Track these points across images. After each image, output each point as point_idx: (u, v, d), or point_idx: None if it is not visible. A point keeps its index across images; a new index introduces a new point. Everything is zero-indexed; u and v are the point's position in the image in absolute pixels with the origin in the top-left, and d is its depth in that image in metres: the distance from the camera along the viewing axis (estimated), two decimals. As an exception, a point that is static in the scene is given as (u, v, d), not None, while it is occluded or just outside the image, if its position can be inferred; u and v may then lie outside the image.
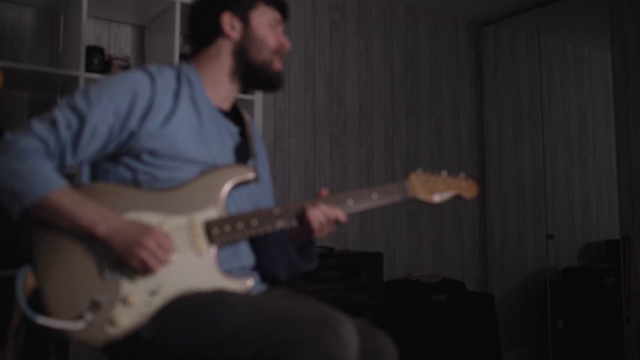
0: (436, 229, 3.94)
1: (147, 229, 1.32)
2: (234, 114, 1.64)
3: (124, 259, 1.31)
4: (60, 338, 1.31)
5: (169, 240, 1.34)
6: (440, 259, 3.94)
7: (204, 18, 1.57)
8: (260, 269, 1.60)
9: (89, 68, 2.49)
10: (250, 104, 2.74)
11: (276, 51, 1.57)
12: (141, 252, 1.30)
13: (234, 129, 1.58)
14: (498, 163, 4.14)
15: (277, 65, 1.58)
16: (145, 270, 1.32)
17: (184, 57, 2.57)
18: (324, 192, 1.51)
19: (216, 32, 1.54)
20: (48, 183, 1.29)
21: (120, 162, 1.42)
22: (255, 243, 1.59)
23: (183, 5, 2.57)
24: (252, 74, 1.57)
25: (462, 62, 4.19)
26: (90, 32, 2.80)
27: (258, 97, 2.76)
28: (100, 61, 2.55)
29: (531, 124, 3.98)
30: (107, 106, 1.37)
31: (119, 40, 2.89)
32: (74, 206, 1.30)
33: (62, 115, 1.36)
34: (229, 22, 1.53)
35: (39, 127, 1.34)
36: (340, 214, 1.48)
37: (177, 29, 2.56)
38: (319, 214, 1.45)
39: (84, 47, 2.43)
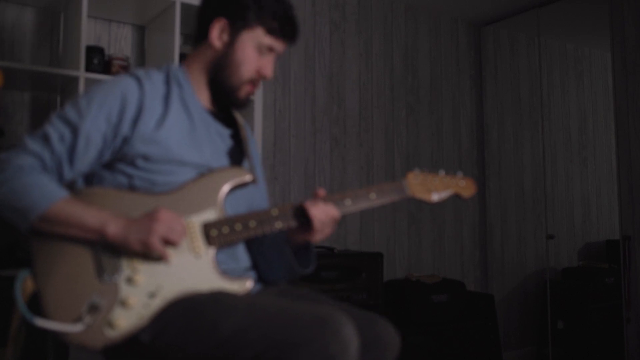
0: (436, 229, 3.94)
1: (153, 210, 1.33)
2: (226, 115, 1.63)
3: (144, 243, 1.30)
4: (60, 341, 1.31)
5: (175, 215, 1.34)
6: (440, 259, 3.94)
7: (202, 16, 1.56)
8: (257, 272, 1.59)
9: (89, 68, 2.49)
10: (249, 104, 2.73)
11: (251, 80, 1.53)
12: (159, 226, 1.30)
13: (224, 131, 1.58)
14: (498, 163, 4.14)
15: (245, 92, 1.54)
16: (168, 245, 1.32)
17: (183, 57, 2.57)
18: (321, 192, 1.50)
19: (205, 34, 1.52)
20: (48, 195, 1.30)
21: (115, 168, 1.42)
22: (250, 246, 1.59)
23: (183, 5, 2.57)
24: (217, 91, 1.55)
25: (462, 62, 4.19)
26: (90, 32, 2.80)
27: (258, 97, 2.76)
28: (100, 61, 2.55)
29: (531, 124, 3.98)
30: (97, 114, 1.37)
31: (119, 40, 2.89)
32: (79, 212, 1.30)
33: (54, 129, 1.36)
34: (219, 30, 1.50)
35: (33, 143, 1.35)
36: (335, 211, 1.47)
37: (177, 29, 2.55)
38: (320, 212, 1.44)
39: (84, 47, 2.42)
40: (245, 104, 1.57)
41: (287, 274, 1.56)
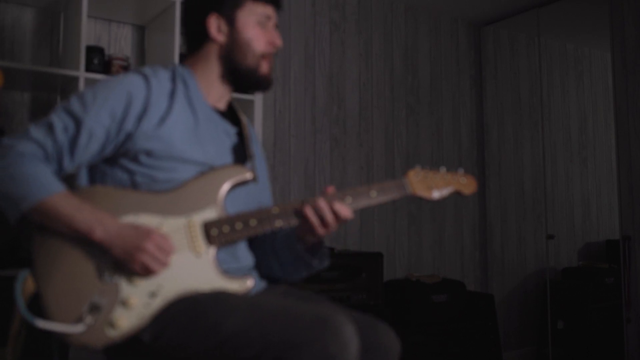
0: (436, 229, 3.94)
1: (145, 232, 1.32)
2: (231, 114, 1.64)
3: (125, 263, 1.31)
4: (61, 341, 1.32)
5: (169, 242, 1.34)
6: (441, 259, 3.94)
7: (192, 20, 1.56)
8: (269, 274, 1.60)
9: (89, 68, 2.49)
10: (250, 104, 2.74)
11: (264, 54, 1.55)
12: (142, 256, 1.30)
13: (231, 129, 1.58)
14: (498, 163, 4.14)
15: (264, 68, 1.56)
16: (146, 273, 1.32)
17: (184, 57, 2.57)
18: (330, 190, 1.48)
19: (204, 35, 1.53)
20: (45, 187, 1.29)
21: (118, 164, 1.42)
22: (263, 248, 1.59)
23: (183, 5, 2.57)
24: (239, 79, 1.56)
25: (462, 62, 4.19)
26: (90, 32, 2.80)
27: (258, 97, 2.76)
28: (100, 61, 2.55)
29: (531, 124, 3.98)
30: (102, 109, 1.37)
31: (119, 40, 2.89)
32: (71, 210, 1.30)
33: (59, 119, 1.36)
34: (216, 25, 1.52)
35: (36, 131, 1.35)
36: (343, 209, 1.43)
37: (177, 29, 2.56)
38: (315, 210, 1.42)
39: (84, 47, 2.42)
40: (270, 81, 1.59)
41: (302, 270, 1.57)
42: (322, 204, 1.42)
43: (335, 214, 1.43)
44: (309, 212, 1.42)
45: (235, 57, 1.53)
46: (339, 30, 3.64)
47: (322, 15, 3.58)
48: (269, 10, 1.55)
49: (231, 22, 1.52)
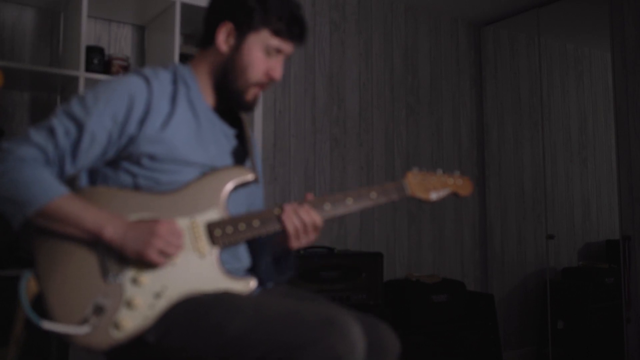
0: (436, 229, 3.94)
1: (154, 221, 1.32)
2: (231, 115, 1.63)
3: (140, 255, 1.30)
4: (62, 341, 1.31)
5: (177, 226, 1.34)
6: (440, 259, 3.94)
7: (208, 19, 1.54)
8: (262, 275, 1.61)
9: (89, 68, 2.48)
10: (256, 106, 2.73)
11: (258, 83, 1.50)
12: (157, 241, 1.29)
13: (229, 131, 1.57)
14: (498, 163, 4.14)
15: (251, 95, 1.52)
16: (163, 260, 1.31)
17: (184, 57, 2.57)
18: (309, 196, 1.51)
19: (212, 37, 1.50)
20: (49, 191, 1.28)
21: (120, 167, 1.41)
22: (261, 250, 1.60)
23: (183, 5, 2.57)
24: (222, 94, 1.53)
25: (462, 62, 4.19)
26: (90, 32, 2.80)
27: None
28: (100, 61, 2.55)
29: (531, 124, 3.98)
30: (104, 112, 1.36)
31: (119, 40, 2.89)
32: (78, 211, 1.29)
33: (60, 123, 1.34)
34: (225, 34, 1.48)
35: (37, 135, 1.33)
36: (317, 218, 1.47)
37: (177, 29, 2.55)
38: (294, 218, 1.44)
39: (84, 47, 2.42)
40: (252, 106, 1.55)
41: (270, 277, 1.58)
42: (302, 212, 1.46)
43: (313, 223, 1.46)
44: (287, 218, 1.45)
45: (229, 75, 1.49)
46: (339, 30, 3.64)
47: (322, 15, 3.57)
48: (285, 46, 1.50)
49: (240, 40, 1.47)
